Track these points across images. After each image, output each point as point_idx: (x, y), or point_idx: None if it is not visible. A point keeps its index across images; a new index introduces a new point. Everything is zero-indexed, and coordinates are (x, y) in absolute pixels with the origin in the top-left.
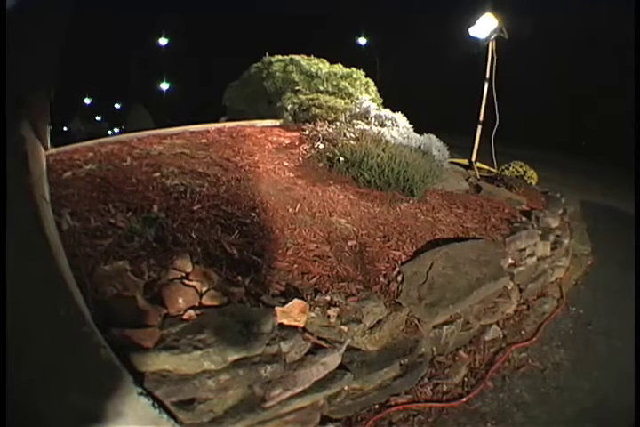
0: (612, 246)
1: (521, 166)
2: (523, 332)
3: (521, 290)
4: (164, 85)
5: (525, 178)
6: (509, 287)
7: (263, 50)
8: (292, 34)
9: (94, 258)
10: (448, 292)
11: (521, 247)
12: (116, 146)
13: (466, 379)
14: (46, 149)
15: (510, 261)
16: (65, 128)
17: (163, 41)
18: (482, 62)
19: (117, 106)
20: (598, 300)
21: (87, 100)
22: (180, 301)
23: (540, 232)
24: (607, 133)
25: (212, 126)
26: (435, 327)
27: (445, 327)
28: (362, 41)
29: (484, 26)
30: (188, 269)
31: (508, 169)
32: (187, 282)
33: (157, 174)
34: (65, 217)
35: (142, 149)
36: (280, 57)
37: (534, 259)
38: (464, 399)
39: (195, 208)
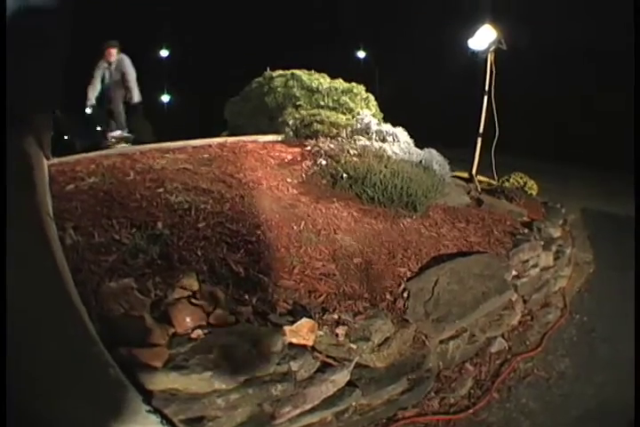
0: (613, 253)
1: (521, 177)
2: (527, 342)
3: (525, 301)
4: (165, 98)
5: (526, 189)
6: (514, 299)
7: (264, 63)
8: (293, 47)
9: (99, 275)
10: (454, 307)
11: (524, 259)
12: (118, 159)
13: (472, 391)
14: (48, 158)
15: (514, 273)
16: (66, 137)
17: (164, 52)
18: (481, 74)
19: None
20: (601, 307)
21: (88, 110)
22: (188, 320)
23: (542, 243)
24: (606, 139)
25: (214, 141)
26: (441, 342)
27: (452, 342)
28: (361, 54)
29: (483, 37)
30: (195, 288)
31: (508, 181)
32: (194, 301)
33: (161, 190)
34: (68, 231)
35: (145, 163)
36: (281, 72)
37: (537, 270)
38: (471, 411)
39: (200, 226)
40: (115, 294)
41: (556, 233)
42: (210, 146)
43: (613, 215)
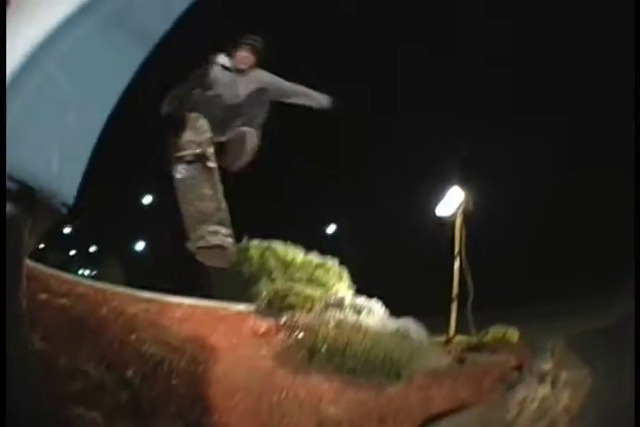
0: (605, 364)
1: (499, 329)
2: None
3: None
4: (140, 245)
5: (506, 339)
6: None
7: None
8: (270, 216)
9: (62, 399)
10: None
11: (520, 398)
12: (91, 290)
13: None
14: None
15: (514, 413)
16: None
17: (147, 199)
18: (449, 237)
19: (92, 249)
20: (602, 417)
21: (66, 230)
22: None
23: (536, 378)
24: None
25: (187, 301)
26: None
27: None
28: (332, 227)
29: (452, 200)
30: None
31: (487, 335)
32: None
33: (133, 337)
34: (36, 342)
35: (118, 305)
36: (257, 242)
37: (535, 404)
38: None
39: (173, 382)
40: (79, 422)
41: (547, 366)
42: (182, 304)
43: (598, 331)
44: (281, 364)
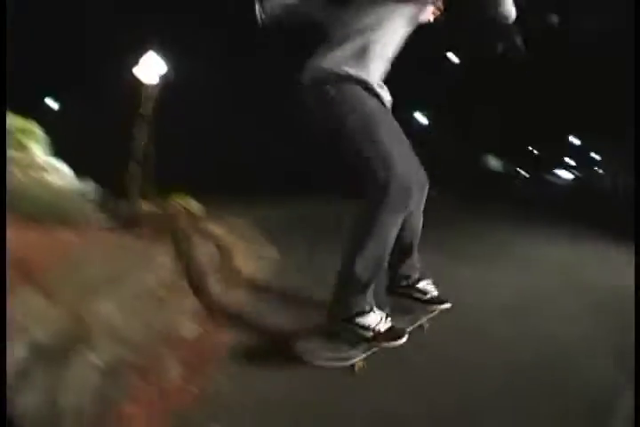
0: (296, 247)
1: (180, 196)
2: None
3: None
4: None
5: (184, 205)
6: None
7: None
8: None
9: None
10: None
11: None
12: None
13: None
14: None
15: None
16: None
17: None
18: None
19: None
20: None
21: None
22: None
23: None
24: None
25: None
26: None
27: None
28: (48, 99)
29: (148, 65)
30: None
31: (166, 200)
32: None
33: None
34: None
35: None
36: None
37: (202, 258)
38: None
39: None
40: None
41: (219, 230)
42: None
43: (292, 219)
44: None
